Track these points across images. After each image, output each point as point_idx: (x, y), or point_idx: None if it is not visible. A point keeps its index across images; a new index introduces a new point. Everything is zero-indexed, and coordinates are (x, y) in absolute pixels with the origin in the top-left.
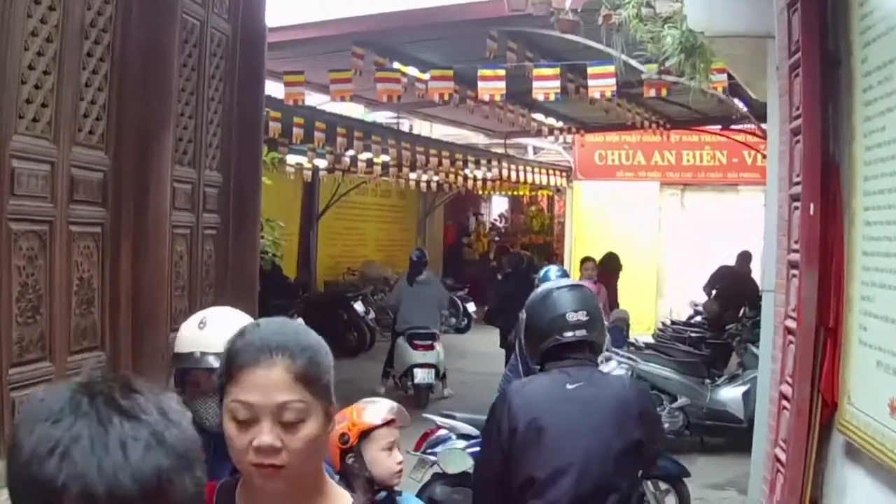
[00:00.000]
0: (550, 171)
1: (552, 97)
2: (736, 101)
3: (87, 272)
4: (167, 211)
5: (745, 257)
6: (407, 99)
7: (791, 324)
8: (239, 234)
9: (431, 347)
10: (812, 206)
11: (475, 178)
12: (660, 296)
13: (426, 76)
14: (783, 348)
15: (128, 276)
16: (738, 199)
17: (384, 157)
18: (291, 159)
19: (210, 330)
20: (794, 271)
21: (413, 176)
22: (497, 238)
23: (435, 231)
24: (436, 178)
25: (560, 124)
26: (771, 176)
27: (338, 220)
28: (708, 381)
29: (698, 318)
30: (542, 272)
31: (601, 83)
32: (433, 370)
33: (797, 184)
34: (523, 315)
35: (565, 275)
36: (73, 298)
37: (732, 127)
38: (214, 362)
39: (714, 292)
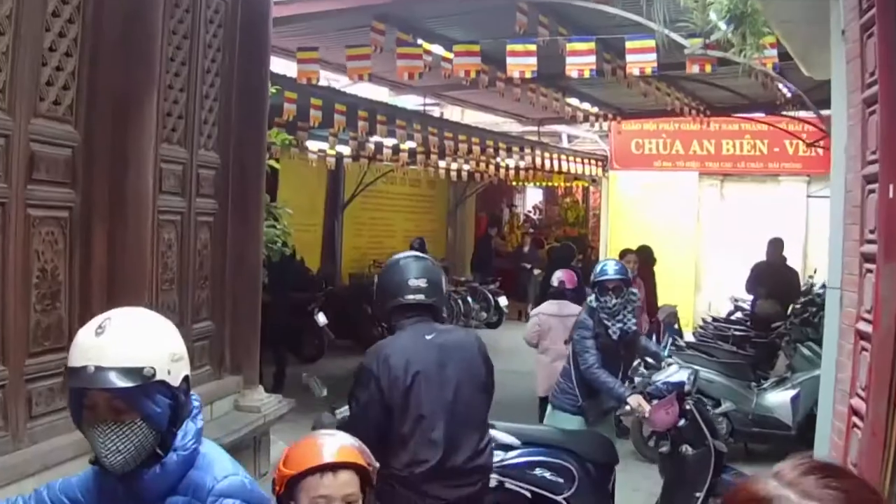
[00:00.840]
0: (586, 160)
1: (587, 74)
2: (780, 85)
3: (50, 262)
4: (150, 194)
5: (776, 245)
6: (433, 80)
7: (865, 327)
8: (240, 222)
9: None
10: (892, 187)
11: (507, 167)
12: (698, 290)
13: (452, 55)
14: (854, 356)
15: (102, 267)
16: (779, 190)
17: (410, 144)
18: (313, 145)
19: (109, 338)
20: (870, 265)
21: (442, 164)
22: (531, 230)
23: (466, 222)
24: (466, 166)
25: (595, 110)
26: (836, 155)
27: (364, 209)
28: (754, 384)
29: (739, 315)
30: (598, 267)
31: (640, 59)
32: None
33: (872, 162)
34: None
35: (623, 270)
36: (32, 292)
37: (776, 114)
38: (117, 380)
39: (762, 292)
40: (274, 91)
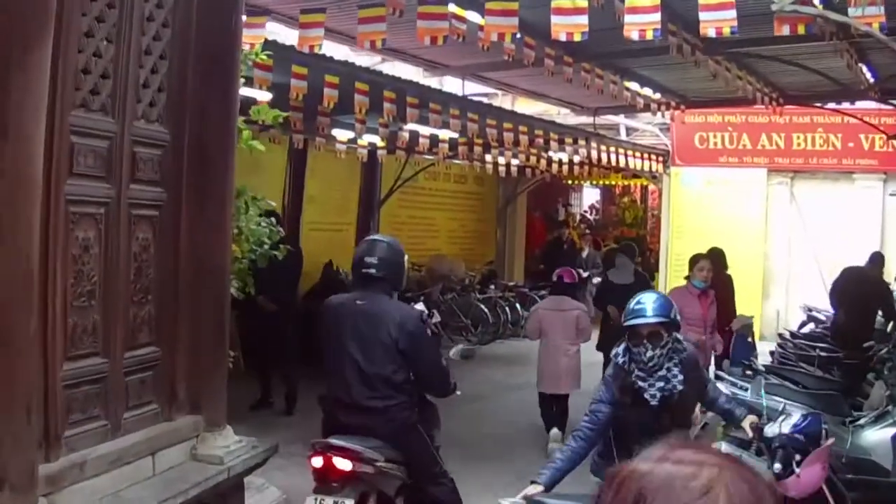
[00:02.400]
0: (645, 155)
1: (650, 35)
2: (864, 68)
3: None
4: (37, 177)
5: (876, 261)
6: (472, 58)
7: None
8: (199, 217)
9: None
10: None
11: (561, 162)
12: (765, 297)
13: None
14: None
15: None
16: (853, 189)
17: (447, 133)
18: (340, 135)
19: None
20: None
21: (489, 158)
22: (588, 231)
23: (517, 222)
24: (515, 161)
25: (657, 96)
26: None
27: (403, 207)
28: (847, 419)
29: (812, 326)
30: (631, 303)
31: (717, 16)
32: None
33: None
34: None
35: (666, 307)
36: None
37: (858, 101)
38: None
39: (846, 301)
40: (264, 57)
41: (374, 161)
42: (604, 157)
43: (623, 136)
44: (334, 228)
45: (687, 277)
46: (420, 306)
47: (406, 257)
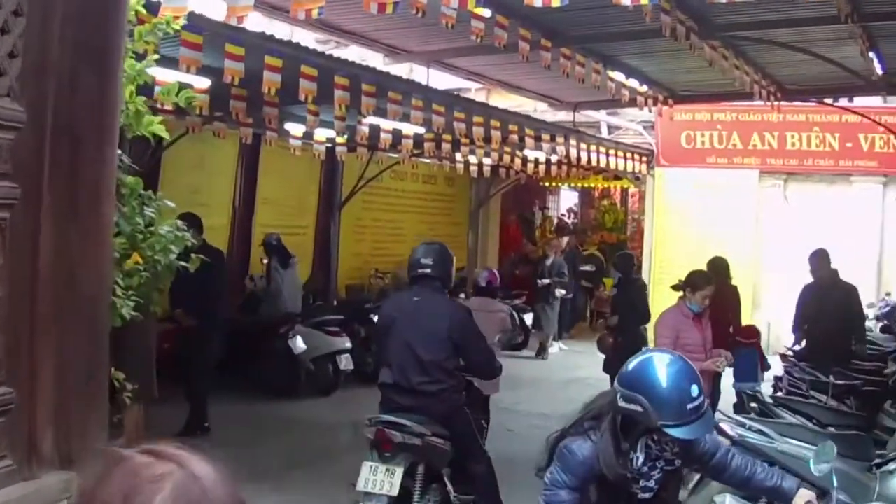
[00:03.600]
0: (629, 155)
1: (645, 0)
2: (874, 58)
3: None
4: None
5: (821, 258)
6: (439, 42)
7: None
8: (66, 220)
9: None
10: None
11: (538, 162)
12: (756, 308)
13: None
14: None
15: None
16: (850, 192)
17: (411, 127)
18: (294, 129)
19: None
20: None
21: (459, 156)
22: (552, 236)
23: (490, 226)
24: (488, 160)
25: (644, 88)
26: None
27: (366, 209)
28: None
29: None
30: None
31: None
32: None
33: None
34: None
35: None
36: None
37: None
38: None
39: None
40: (176, 27)
41: (334, 159)
42: (584, 156)
43: (605, 135)
44: (291, 232)
45: (682, 296)
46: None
47: (454, 259)
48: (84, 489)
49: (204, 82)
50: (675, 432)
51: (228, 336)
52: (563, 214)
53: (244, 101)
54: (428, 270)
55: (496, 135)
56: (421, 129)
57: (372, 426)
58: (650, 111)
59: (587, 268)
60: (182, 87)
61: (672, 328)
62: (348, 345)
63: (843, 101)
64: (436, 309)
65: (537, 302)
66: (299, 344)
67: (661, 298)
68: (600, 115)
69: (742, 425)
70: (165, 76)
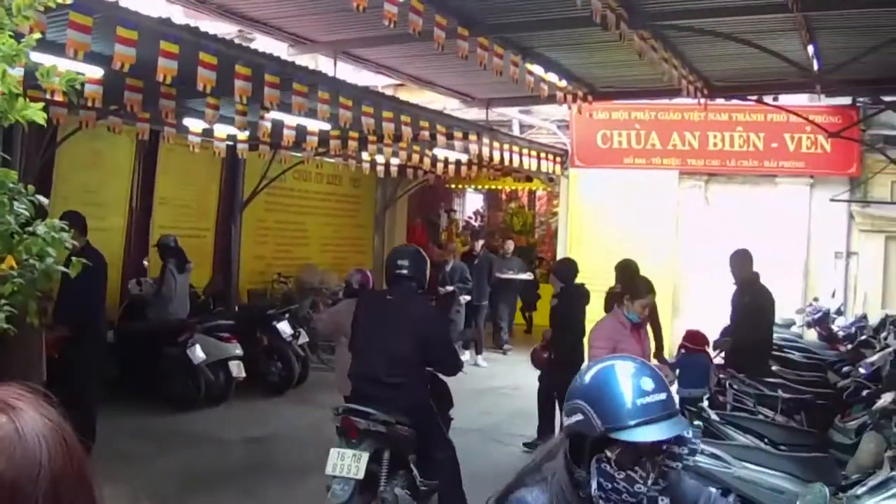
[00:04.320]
0: (542, 155)
1: None
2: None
3: None
4: None
5: (739, 258)
6: (342, 30)
7: None
8: None
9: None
10: None
11: (447, 161)
12: (676, 315)
13: None
14: None
15: None
16: (775, 194)
17: (317, 124)
18: (192, 125)
19: None
20: None
21: (365, 155)
22: (449, 242)
23: (397, 229)
24: (395, 160)
25: (564, 83)
26: None
27: (269, 210)
28: (837, 489)
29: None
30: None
31: None
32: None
33: None
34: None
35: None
36: None
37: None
38: None
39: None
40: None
41: (235, 158)
42: (497, 155)
43: (517, 134)
44: (191, 234)
45: (616, 303)
46: (284, 326)
47: (428, 262)
48: None
49: (96, 71)
50: (626, 436)
51: (119, 344)
52: (469, 217)
53: (139, 93)
54: (405, 271)
55: (407, 132)
56: (327, 126)
57: (339, 414)
58: (569, 108)
59: (510, 274)
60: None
61: (608, 339)
62: (239, 351)
63: (767, 103)
64: (408, 308)
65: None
66: (198, 353)
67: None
68: (513, 113)
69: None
70: (52, 64)
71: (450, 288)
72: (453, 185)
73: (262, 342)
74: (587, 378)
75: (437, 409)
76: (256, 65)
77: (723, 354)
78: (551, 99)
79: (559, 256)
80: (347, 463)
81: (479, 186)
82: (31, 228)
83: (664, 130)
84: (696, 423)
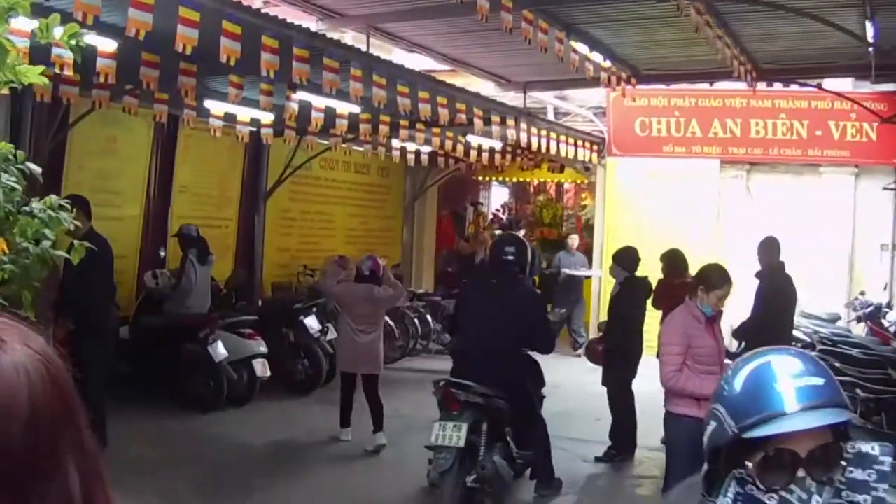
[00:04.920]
0: (579, 143)
1: None
2: (869, 30)
3: None
4: None
5: (771, 246)
6: (376, 3)
7: None
8: None
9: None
10: None
11: (481, 149)
12: None
13: None
14: None
15: None
16: (819, 183)
17: (347, 106)
18: (215, 107)
19: None
20: None
21: (396, 143)
22: (501, 232)
23: (426, 220)
24: (426, 147)
25: (608, 64)
26: None
27: (294, 200)
28: None
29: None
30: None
31: None
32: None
33: None
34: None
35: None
36: None
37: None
38: None
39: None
40: None
41: (259, 144)
42: (534, 142)
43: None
44: (212, 224)
45: (686, 293)
46: (311, 321)
47: (530, 251)
48: None
49: (109, 44)
50: (764, 430)
51: (135, 340)
52: (497, 210)
53: (156, 69)
54: (510, 257)
55: (443, 114)
56: (357, 109)
57: (441, 388)
58: (613, 90)
59: (582, 271)
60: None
61: (682, 335)
62: (264, 348)
63: (824, 89)
64: (512, 290)
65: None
66: (220, 350)
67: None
68: (548, 99)
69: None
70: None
71: None
72: (480, 178)
73: (288, 338)
74: (733, 377)
75: (531, 386)
76: (284, 37)
77: (742, 345)
78: (593, 82)
79: (595, 248)
80: (448, 433)
81: (508, 179)
82: (26, 207)
83: (705, 117)
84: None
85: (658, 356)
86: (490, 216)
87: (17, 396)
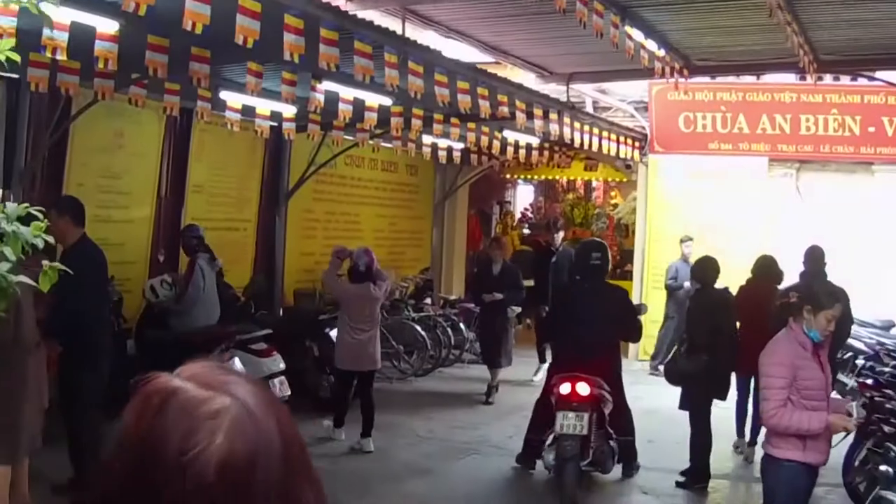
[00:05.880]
0: (621, 139)
1: None
2: None
3: None
4: None
5: (818, 254)
6: None
7: None
8: None
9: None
10: None
11: (517, 145)
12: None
13: None
14: None
15: None
16: (871, 183)
17: (378, 98)
18: (231, 99)
19: None
20: None
21: (428, 140)
22: (530, 233)
23: (457, 221)
24: (459, 144)
25: (662, 52)
26: None
27: (317, 200)
28: None
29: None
30: None
31: None
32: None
33: None
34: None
35: None
36: None
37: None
38: None
39: None
40: None
41: (281, 140)
42: (577, 138)
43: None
44: (229, 227)
45: (788, 315)
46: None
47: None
48: (129, 427)
49: (110, 25)
50: None
51: (139, 356)
52: (525, 209)
53: (164, 54)
54: (598, 262)
55: (484, 106)
56: (388, 101)
57: (566, 380)
58: (668, 80)
59: None
60: None
61: (788, 366)
62: (280, 366)
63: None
64: (604, 291)
65: (490, 323)
66: (238, 367)
67: (660, 306)
68: (588, 92)
69: None
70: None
71: (498, 296)
72: (508, 176)
73: (312, 352)
74: None
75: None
76: (310, 16)
77: None
78: (643, 73)
79: (636, 252)
80: (571, 422)
81: (536, 177)
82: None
83: (752, 113)
84: (881, 467)
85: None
86: (518, 215)
87: (270, 440)
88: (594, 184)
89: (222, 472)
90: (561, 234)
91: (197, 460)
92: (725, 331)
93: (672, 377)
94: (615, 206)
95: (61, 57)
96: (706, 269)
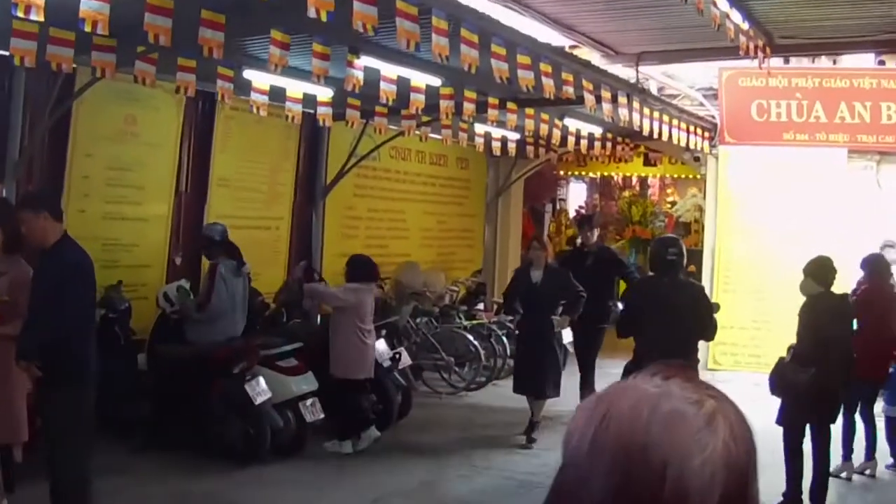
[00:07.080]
0: (690, 128)
1: None
2: None
3: None
4: None
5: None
6: None
7: None
8: None
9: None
10: None
11: (579, 135)
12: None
13: None
14: None
15: None
16: None
17: (425, 77)
18: (257, 79)
19: None
20: None
21: (480, 129)
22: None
23: (511, 219)
24: (514, 134)
25: (746, 26)
26: None
27: (359, 196)
28: None
29: None
30: None
31: None
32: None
33: None
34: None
35: None
36: None
37: None
38: None
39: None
40: None
41: (316, 128)
42: (646, 125)
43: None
44: (259, 225)
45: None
46: (380, 345)
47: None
48: (623, 438)
49: None
50: None
51: (152, 373)
52: (580, 206)
53: (167, 17)
54: (674, 258)
55: (548, 85)
56: (437, 81)
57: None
58: (752, 58)
59: None
60: None
61: None
62: (311, 385)
63: None
64: (682, 288)
65: (531, 343)
66: (262, 387)
67: (732, 310)
68: (655, 76)
69: None
70: None
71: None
72: (561, 172)
73: None
74: None
75: None
76: None
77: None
78: (721, 52)
79: (706, 249)
80: None
81: (589, 174)
82: None
83: (830, 100)
84: None
85: None
86: (573, 213)
87: (751, 448)
88: (649, 181)
89: (728, 477)
90: (597, 231)
91: (703, 467)
92: (842, 342)
93: (777, 387)
94: (672, 203)
95: (37, 18)
96: (828, 270)
